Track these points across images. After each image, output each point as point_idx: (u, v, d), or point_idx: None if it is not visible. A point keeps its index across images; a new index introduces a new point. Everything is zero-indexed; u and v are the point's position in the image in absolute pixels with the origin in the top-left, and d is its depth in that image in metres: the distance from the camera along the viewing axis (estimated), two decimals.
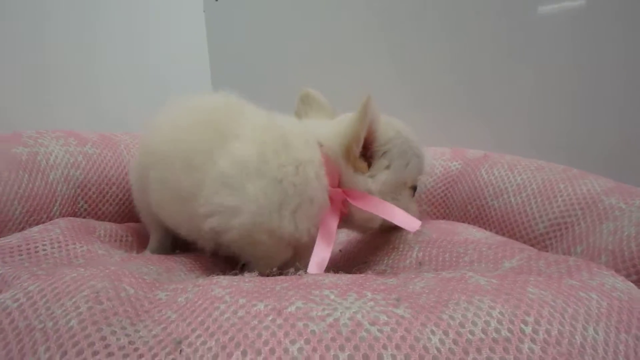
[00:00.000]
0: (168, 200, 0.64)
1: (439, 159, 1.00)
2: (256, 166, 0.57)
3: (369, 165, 0.62)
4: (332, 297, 0.38)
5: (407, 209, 0.62)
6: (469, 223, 0.85)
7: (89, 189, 0.81)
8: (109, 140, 0.88)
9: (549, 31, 1.02)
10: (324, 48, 1.32)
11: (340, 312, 0.35)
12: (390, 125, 0.64)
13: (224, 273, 0.62)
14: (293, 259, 0.63)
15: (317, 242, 0.57)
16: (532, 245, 0.73)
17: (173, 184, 0.62)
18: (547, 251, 0.72)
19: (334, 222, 0.59)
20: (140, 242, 0.76)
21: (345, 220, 0.63)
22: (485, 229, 0.81)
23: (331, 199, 0.60)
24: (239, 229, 0.57)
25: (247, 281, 0.42)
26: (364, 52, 1.26)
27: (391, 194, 0.63)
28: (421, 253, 0.62)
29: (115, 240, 0.73)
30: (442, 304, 0.36)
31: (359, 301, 0.37)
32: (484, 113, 1.13)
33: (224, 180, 0.57)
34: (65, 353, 0.32)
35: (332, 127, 0.64)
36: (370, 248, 0.70)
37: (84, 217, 0.80)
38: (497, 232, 0.79)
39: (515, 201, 0.80)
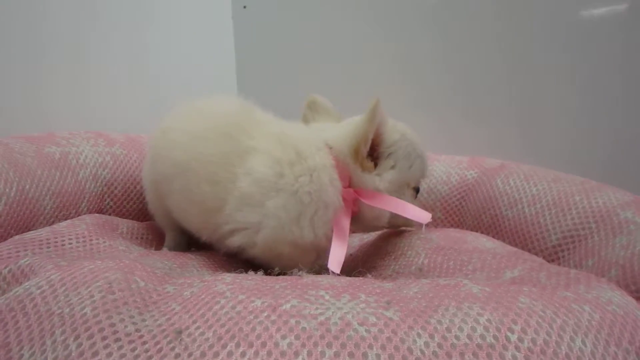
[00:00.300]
0: (191, 209, 0.67)
1: (455, 168, 1.00)
2: (273, 182, 0.60)
3: (375, 165, 0.65)
4: (327, 297, 0.39)
5: None
6: (482, 232, 0.85)
7: (115, 188, 0.85)
8: (135, 142, 0.93)
9: (559, 37, 1.02)
10: (352, 56, 1.34)
11: (332, 312, 0.37)
12: (396, 128, 0.67)
13: (235, 270, 0.65)
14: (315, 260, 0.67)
15: (333, 242, 0.60)
16: (543, 257, 0.73)
17: (197, 196, 0.65)
18: (558, 263, 0.71)
19: (346, 221, 0.62)
20: (159, 240, 0.80)
21: (355, 219, 0.65)
22: (498, 239, 0.81)
23: (344, 199, 0.63)
24: (262, 244, 0.61)
25: (250, 279, 0.45)
26: (389, 59, 1.28)
27: (396, 194, 0.65)
28: (427, 260, 0.63)
29: (136, 238, 0.77)
30: (432, 308, 0.37)
31: (351, 302, 0.38)
32: (496, 119, 1.13)
33: (246, 200, 0.60)
34: (78, 336, 0.35)
35: (339, 130, 0.67)
36: (379, 253, 0.72)
37: (109, 214, 0.84)
38: (509, 243, 0.79)
39: (529, 212, 0.80)
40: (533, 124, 1.09)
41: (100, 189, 0.83)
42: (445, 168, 1.01)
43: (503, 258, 0.59)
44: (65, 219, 0.74)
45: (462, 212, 0.95)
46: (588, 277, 0.46)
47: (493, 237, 0.82)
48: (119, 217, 0.85)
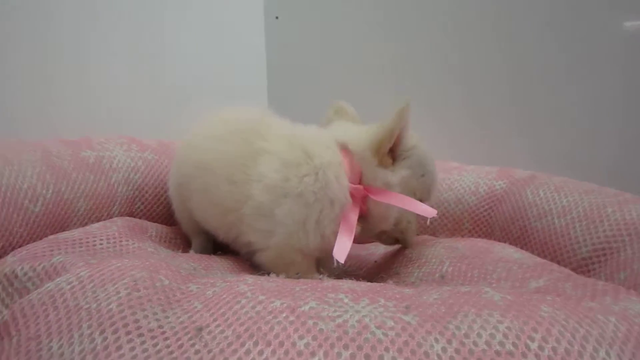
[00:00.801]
0: (210, 209, 0.71)
1: (484, 178, 0.99)
2: (280, 187, 0.62)
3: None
4: (346, 300, 0.40)
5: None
6: (510, 244, 0.83)
7: (146, 192, 0.88)
8: (166, 148, 0.95)
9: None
10: (386, 67, 1.35)
11: (350, 315, 0.37)
12: (414, 136, 0.68)
13: (258, 273, 0.66)
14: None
15: (339, 234, 0.61)
16: (573, 269, 0.71)
17: (215, 196, 0.68)
18: (588, 276, 0.69)
19: (354, 216, 0.63)
20: (187, 244, 0.82)
21: (364, 219, 0.66)
22: (526, 250, 0.79)
23: (352, 196, 0.63)
24: (274, 248, 0.63)
25: (271, 281, 0.45)
26: (419, 69, 1.28)
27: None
28: (451, 268, 0.62)
29: (165, 241, 0.79)
30: (451, 315, 0.37)
31: (370, 306, 0.38)
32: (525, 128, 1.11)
33: (260, 210, 0.63)
34: (103, 331, 0.36)
35: (360, 129, 0.69)
36: (403, 261, 0.72)
37: (140, 218, 0.86)
38: (538, 255, 0.77)
39: (559, 223, 0.78)
40: (543, 128, 1.08)
41: (132, 192, 0.85)
42: (474, 178, 1.00)
43: (529, 268, 0.58)
44: (98, 221, 0.76)
45: (490, 222, 0.94)
46: (616, 290, 0.45)
47: (521, 248, 0.80)
48: (149, 220, 0.87)
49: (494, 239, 0.90)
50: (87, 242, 0.65)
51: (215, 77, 1.37)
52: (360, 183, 0.65)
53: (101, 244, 0.66)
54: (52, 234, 0.67)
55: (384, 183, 0.64)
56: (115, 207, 0.82)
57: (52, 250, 0.60)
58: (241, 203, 0.64)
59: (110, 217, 0.80)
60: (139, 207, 0.87)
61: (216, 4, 1.38)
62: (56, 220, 0.70)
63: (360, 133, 0.67)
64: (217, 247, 0.78)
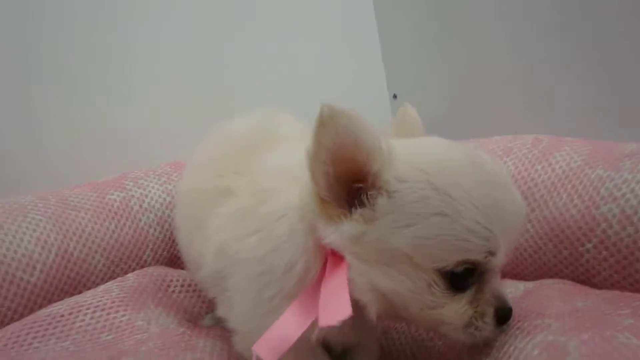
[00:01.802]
0: (184, 254, 0.59)
1: None
2: (229, 251, 0.43)
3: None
4: None
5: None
6: None
7: None
8: None
9: None
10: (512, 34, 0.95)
11: None
12: (415, 155, 0.38)
13: None
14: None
15: (281, 318, 0.38)
16: None
17: (183, 241, 0.57)
18: None
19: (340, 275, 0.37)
20: None
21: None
22: None
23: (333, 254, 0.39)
24: (239, 333, 0.46)
25: None
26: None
27: (378, 266, 0.37)
28: None
29: (188, 291, 0.67)
30: None
31: None
32: None
33: (216, 280, 0.46)
34: None
35: None
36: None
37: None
38: None
39: None
40: None
41: (168, 233, 0.75)
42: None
43: None
44: (125, 273, 0.69)
45: None
46: None
47: None
48: None
49: None
50: (69, 318, 0.58)
51: (325, 62, 1.17)
52: None
53: (83, 319, 0.57)
54: (59, 299, 0.62)
55: (327, 243, 0.38)
56: (147, 253, 0.73)
57: (17, 339, 0.53)
58: (203, 260, 0.48)
59: (142, 266, 0.72)
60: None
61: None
62: (65, 285, 0.64)
63: None
64: None
